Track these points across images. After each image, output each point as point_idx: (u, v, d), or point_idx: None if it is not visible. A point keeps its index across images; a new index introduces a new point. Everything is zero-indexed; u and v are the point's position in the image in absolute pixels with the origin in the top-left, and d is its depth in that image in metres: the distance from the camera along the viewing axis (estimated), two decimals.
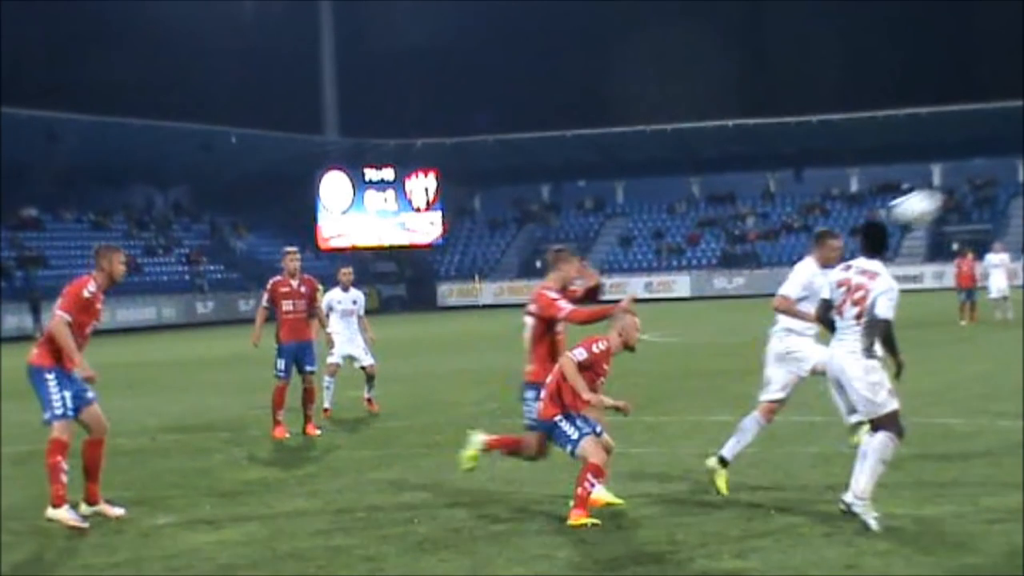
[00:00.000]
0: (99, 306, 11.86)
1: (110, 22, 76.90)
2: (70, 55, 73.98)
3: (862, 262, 10.85)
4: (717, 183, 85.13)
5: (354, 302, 20.92)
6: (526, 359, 11.94)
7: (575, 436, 11.13)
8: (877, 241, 11.04)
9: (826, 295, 10.97)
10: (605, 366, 11.37)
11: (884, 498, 10.96)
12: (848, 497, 10.48)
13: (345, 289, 20.93)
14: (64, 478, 11.47)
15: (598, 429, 11.30)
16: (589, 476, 10.92)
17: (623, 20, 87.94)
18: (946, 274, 54.31)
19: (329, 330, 19.84)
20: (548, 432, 11.34)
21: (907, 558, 9.42)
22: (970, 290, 38.82)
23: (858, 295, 10.68)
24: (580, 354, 11.25)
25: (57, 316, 11.61)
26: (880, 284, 10.67)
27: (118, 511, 11.84)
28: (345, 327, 20.69)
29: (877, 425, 10.56)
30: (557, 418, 11.24)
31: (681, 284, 75.62)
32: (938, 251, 73.10)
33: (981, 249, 46.23)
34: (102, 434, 11.86)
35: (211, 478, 14.23)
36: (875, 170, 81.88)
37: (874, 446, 10.48)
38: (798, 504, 11.37)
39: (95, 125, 67.70)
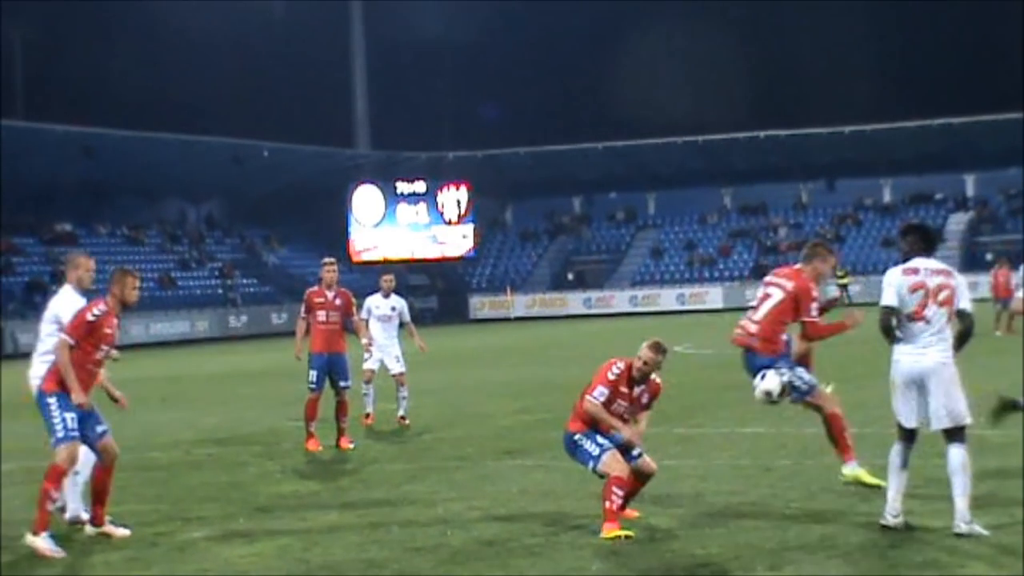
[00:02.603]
0: (108, 330, 11.59)
1: (144, 38, 77.39)
2: (103, 70, 74.42)
3: (926, 262, 10.65)
4: (749, 194, 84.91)
5: (393, 308, 20.96)
6: (748, 325, 12.09)
7: (596, 452, 11.18)
8: (931, 240, 10.88)
9: (892, 302, 10.54)
10: (623, 388, 11.36)
11: (920, 511, 10.91)
12: (961, 528, 10.23)
13: (386, 295, 20.98)
14: (51, 507, 11.31)
15: (636, 452, 11.38)
16: (614, 489, 10.94)
17: (654, 32, 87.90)
18: (980, 284, 53.95)
19: (366, 339, 19.84)
20: (570, 447, 11.40)
21: (943, 570, 9.38)
22: (1006, 300, 38.56)
23: (943, 295, 10.49)
24: (600, 394, 11.31)
25: (59, 339, 11.44)
26: (960, 280, 10.67)
27: (123, 531, 11.77)
28: (382, 333, 20.74)
29: (954, 438, 10.44)
30: (577, 436, 11.34)
31: (713, 296, 75.41)
32: (972, 261, 72.62)
33: (1017, 259, 45.92)
34: (112, 462, 11.74)
35: (245, 491, 14.26)
36: (908, 180, 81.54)
37: (962, 465, 10.32)
38: (833, 516, 11.32)
39: (128, 140, 68.03)
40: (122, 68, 75.49)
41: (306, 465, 16.57)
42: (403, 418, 20.51)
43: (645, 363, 11.35)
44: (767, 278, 12.46)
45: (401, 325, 21.10)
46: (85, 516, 11.97)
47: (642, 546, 10.51)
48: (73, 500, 12.15)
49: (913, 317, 10.50)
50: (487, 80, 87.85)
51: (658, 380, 11.56)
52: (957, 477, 10.33)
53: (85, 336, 11.47)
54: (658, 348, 11.41)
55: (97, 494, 11.74)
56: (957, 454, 10.36)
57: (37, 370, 12.06)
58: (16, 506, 13.16)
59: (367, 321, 20.50)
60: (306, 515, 12.63)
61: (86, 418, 11.51)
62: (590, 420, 11.33)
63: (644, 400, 11.48)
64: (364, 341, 19.44)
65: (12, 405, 23.87)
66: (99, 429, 11.63)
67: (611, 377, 11.32)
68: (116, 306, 11.77)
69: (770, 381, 11.68)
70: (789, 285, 12.07)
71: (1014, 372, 24.73)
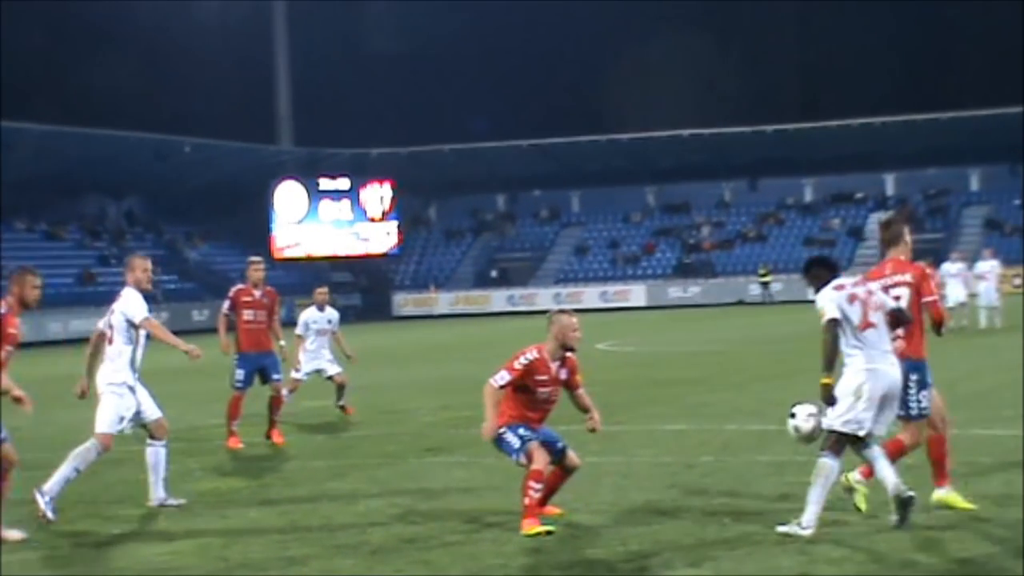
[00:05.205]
0: (12, 330, 11.40)
1: (62, 30, 76.47)
2: (21, 63, 73.43)
3: (841, 280, 10.88)
4: (673, 193, 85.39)
5: (329, 321, 21.53)
6: (900, 343, 11.06)
7: (517, 445, 11.16)
8: (835, 267, 11.10)
9: (837, 314, 10.58)
10: (538, 376, 11.29)
11: (838, 507, 11.00)
12: (909, 492, 10.47)
13: (321, 308, 21.45)
14: None
15: (560, 444, 11.39)
16: (531, 483, 10.94)
17: (579, 30, 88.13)
18: None
19: (284, 342, 19.81)
20: (496, 441, 11.37)
21: (860, 565, 9.48)
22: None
23: (874, 301, 10.73)
24: (501, 378, 11.24)
25: None
26: (874, 284, 10.99)
27: (17, 534, 11.49)
28: (317, 345, 21.28)
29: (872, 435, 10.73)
30: (502, 430, 11.28)
31: (637, 293, 75.80)
32: None
33: (936, 258, 46.50)
34: (9, 469, 11.45)
35: None
36: (829, 180, 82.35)
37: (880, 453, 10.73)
38: (753, 512, 11.39)
39: (48, 134, 67.21)
40: (39, 61, 74.58)
41: (226, 463, 16.48)
42: (345, 407, 20.73)
43: (574, 330, 11.38)
44: (880, 283, 11.23)
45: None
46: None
47: (564, 543, 10.53)
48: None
49: (863, 327, 10.64)
50: (411, 77, 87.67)
51: (571, 356, 11.51)
52: (885, 460, 10.62)
53: None
54: (568, 311, 11.56)
55: None
56: (876, 446, 10.69)
57: (106, 374, 12.74)
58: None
59: (304, 336, 21.17)
60: (226, 513, 12.56)
61: None
62: (514, 414, 11.30)
63: (564, 376, 11.46)
64: (282, 343, 19.05)
65: None
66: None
67: (518, 366, 11.24)
68: (17, 307, 11.57)
69: (803, 419, 10.88)
70: (907, 278, 11.27)
71: (935, 370, 25.08)
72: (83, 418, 22.02)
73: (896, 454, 11.14)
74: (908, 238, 11.61)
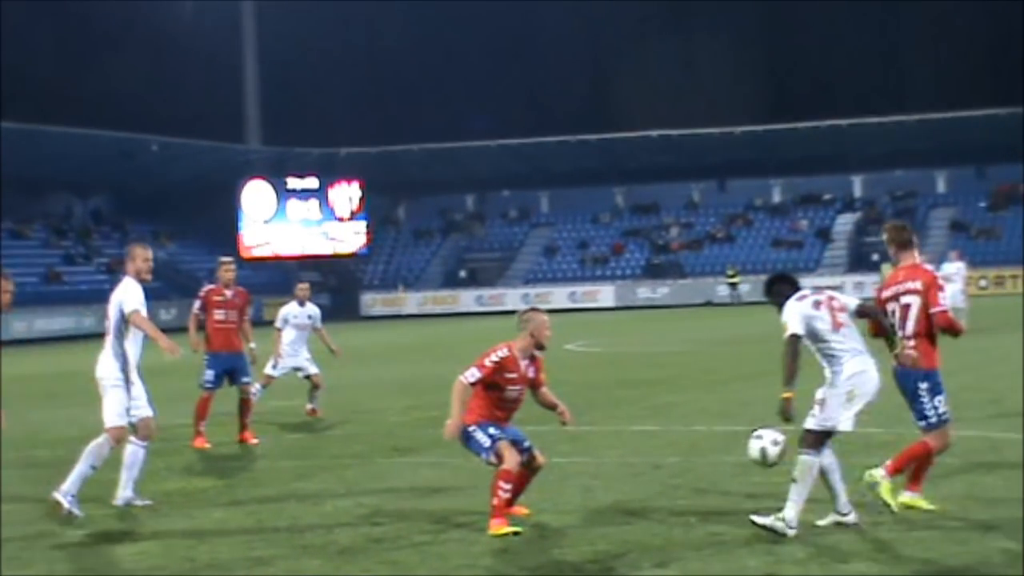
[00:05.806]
0: None
1: (27, 28, 76.02)
2: None
3: (805, 291, 11.00)
4: (641, 193, 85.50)
5: (309, 317, 21.35)
6: (908, 343, 11.14)
7: (487, 444, 11.14)
8: (795, 282, 11.24)
9: (798, 330, 10.67)
10: (508, 374, 11.27)
11: (805, 509, 11.03)
12: (851, 517, 10.65)
13: (301, 304, 21.39)
14: None
15: (526, 444, 11.38)
16: (501, 483, 10.93)
17: (549, 31, 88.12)
18: (866, 284, 54.87)
19: (254, 344, 19.76)
20: (464, 439, 11.33)
21: (824, 566, 9.51)
22: None
23: (837, 304, 10.85)
24: (472, 374, 11.20)
25: None
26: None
27: None
28: (296, 341, 21.07)
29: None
30: (471, 428, 11.25)
31: (605, 294, 75.91)
32: (859, 262, 73.95)
33: None
34: None
35: None
36: (797, 181, 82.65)
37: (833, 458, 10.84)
38: (720, 513, 11.41)
39: (13, 132, 66.75)
40: (5, 58, 74.07)
41: (194, 463, 16.42)
42: (314, 411, 20.63)
43: (547, 328, 11.42)
44: (892, 291, 11.31)
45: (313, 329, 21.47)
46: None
47: (531, 543, 10.54)
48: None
49: (835, 327, 10.74)
50: (380, 76, 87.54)
51: (539, 354, 11.53)
52: (839, 473, 10.69)
53: None
54: (541, 310, 11.61)
55: None
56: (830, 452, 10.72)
57: (105, 367, 12.71)
58: None
59: (282, 330, 20.92)
60: (192, 513, 12.52)
61: None
62: (482, 413, 11.28)
63: (532, 375, 11.47)
64: (252, 345, 18.83)
65: None
66: None
67: (489, 363, 11.21)
68: None
69: (767, 441, 10.79)
70: (917, 285, 11.20)
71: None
72: (48, 417, 21.95)
73: (922, 457, 11.14)
74: (916, 240, 11.69)
